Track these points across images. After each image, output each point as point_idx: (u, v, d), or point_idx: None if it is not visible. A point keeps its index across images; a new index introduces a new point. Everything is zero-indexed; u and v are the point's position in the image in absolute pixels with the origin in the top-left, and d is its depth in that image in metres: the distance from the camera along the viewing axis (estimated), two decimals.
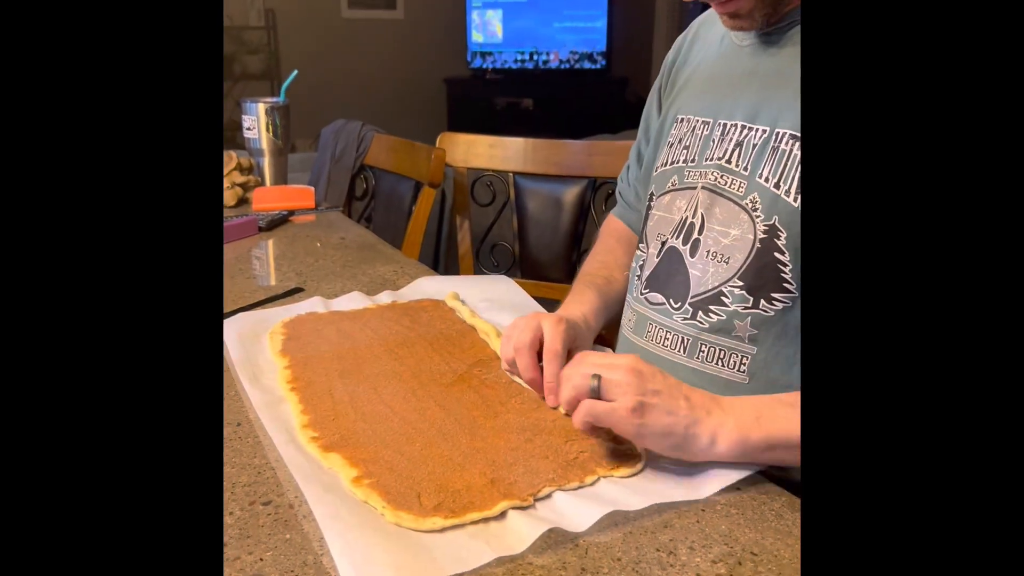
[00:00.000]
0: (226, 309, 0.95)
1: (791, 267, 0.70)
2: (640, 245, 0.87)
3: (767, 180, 0.72)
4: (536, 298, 1.01)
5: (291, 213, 1.46)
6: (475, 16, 5.27)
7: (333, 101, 5.05)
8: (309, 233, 1.36)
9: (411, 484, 0.59)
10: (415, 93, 5.38)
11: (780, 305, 0.71)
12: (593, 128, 3.38)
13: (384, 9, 5.23)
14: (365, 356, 0.82)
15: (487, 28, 5.30)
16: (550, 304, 0.89)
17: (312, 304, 0.97)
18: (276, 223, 1.39)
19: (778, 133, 0.72)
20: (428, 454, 0.64)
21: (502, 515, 0.56)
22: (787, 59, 0.74)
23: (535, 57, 5.34)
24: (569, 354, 0.74)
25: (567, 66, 5.34)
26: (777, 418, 0.61)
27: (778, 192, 0.71)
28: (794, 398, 0.63)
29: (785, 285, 0.71)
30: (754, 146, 0.74)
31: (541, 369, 0.72)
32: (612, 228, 1.03)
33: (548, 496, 0.59)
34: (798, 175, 0.70)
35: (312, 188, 1.54)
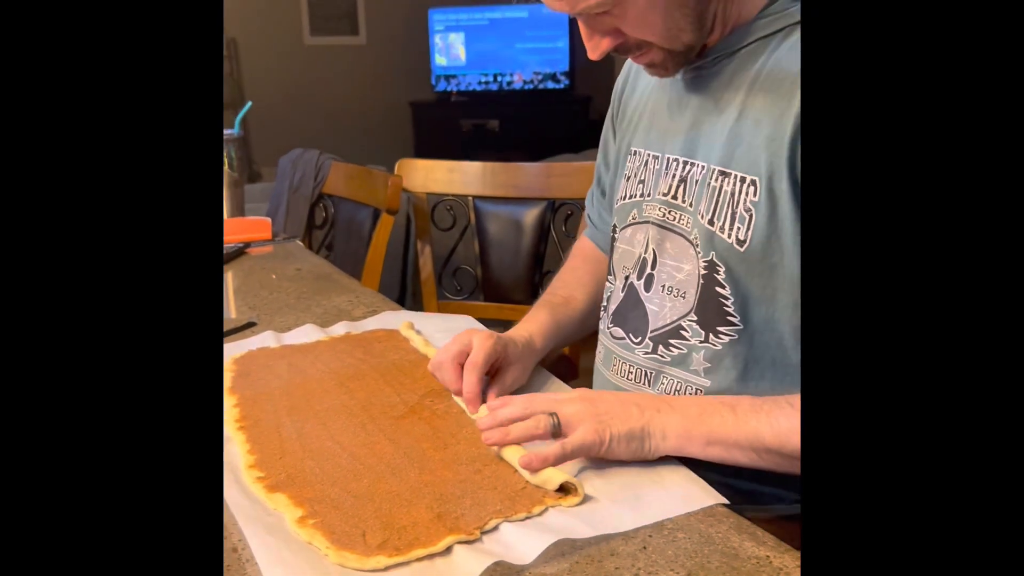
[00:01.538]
0: None
1: (732, 300, 0.71)
2: (609, 277, 0.88)
3: (703, 216, 0.73)
4: (500, 321, 1.01)
5: (248, 245, 1.45)
6: (438, 40, 5.30)
7: (299, 128, 5.04)
8: (265, 265, 1.35)
9: (356, 522, 0.58)
10: (381, 118, 5.39)
11: (727, 338, 0.72)
12: (558, 147, 3.39)
13: (347, 35, 5.25)
14: (315, 391, 0.81)
15: (450, 51, 5.33)
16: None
17: (263, 339, 0.96)
18: (232, 256, 1.38)
19: (712, 169, 0.73)
20: (375, 490, 0.63)
21: (447, 550, 0.56)
22: (716, 91, 0.74)
23: (499, 79, 5.37)
24: (498, 372, 0.77)
25: (531, 86, 5.38)
26: (714, 416, 0.66)
27: (712, 228, 0.72)
28: (735, 401, 0.66)
29: (729, 318, 0.72)
30: (696, 181, 0.75)
31: None
32: (580, 248, 1.03)
33: (495, 528, 0.58)
34: (729, 211, 0.71)
35: (269, 219, 1.53)
